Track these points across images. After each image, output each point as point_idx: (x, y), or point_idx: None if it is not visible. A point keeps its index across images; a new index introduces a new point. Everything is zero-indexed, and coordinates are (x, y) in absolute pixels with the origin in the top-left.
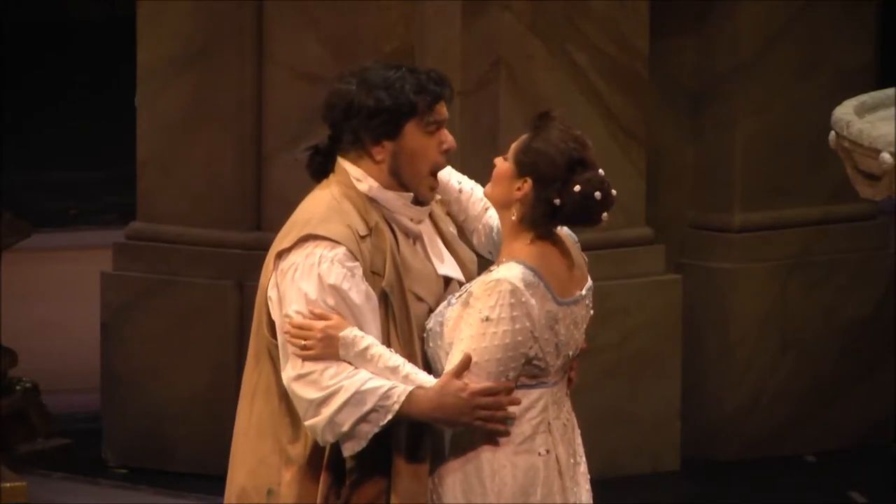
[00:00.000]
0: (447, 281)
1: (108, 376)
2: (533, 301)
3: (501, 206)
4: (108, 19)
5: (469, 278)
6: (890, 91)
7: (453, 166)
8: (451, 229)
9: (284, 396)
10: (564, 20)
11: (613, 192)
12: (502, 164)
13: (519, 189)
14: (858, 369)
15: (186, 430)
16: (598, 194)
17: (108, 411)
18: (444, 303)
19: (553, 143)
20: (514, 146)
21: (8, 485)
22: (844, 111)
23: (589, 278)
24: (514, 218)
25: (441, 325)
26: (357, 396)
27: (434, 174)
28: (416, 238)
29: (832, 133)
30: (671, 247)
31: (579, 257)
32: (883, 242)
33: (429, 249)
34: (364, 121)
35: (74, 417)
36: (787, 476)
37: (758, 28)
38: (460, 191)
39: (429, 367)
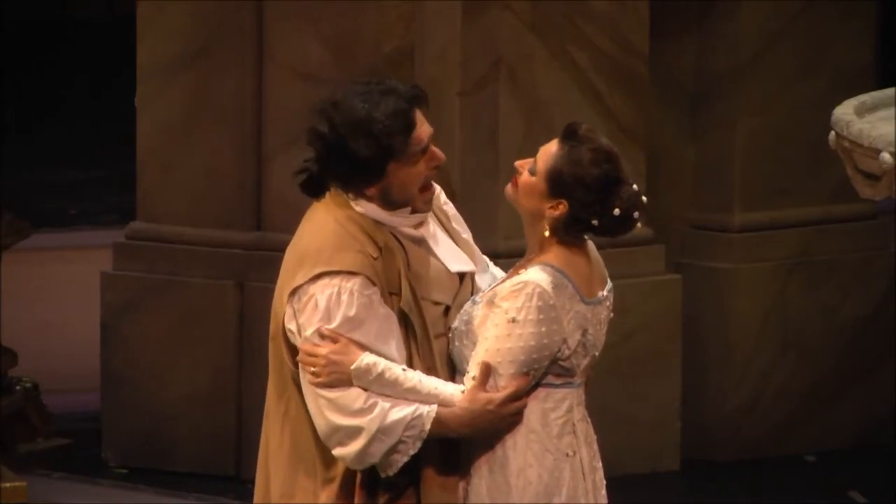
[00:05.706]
0: (461, 276)
1: (108, 376)
2: (560, 303)
3: (529, 215)
4: (108, 19)
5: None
6: (890, 91)
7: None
8: (450, 216)
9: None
10: (564, 20)
11: (644, 199)
12: (530, 179)
13: (552, 208)
14: (858, 369)
15: (186, 430)
16: (636, 214)
17: (108, 411)
18: (469, 302)
19: (586, 168)
20: (543, 161)
21: (8, 485)
22: (844, 111)
23: (608, 279)
24: (546, 234)
25: (467, 323)
26: (383, 430)
27: (426, 189)
28: (422, 242)
29: (832, 133)
30: (671, 247)
31: (598, 256)
32: (883, 242)
33: (437, 250)
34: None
35: (74, 417)
36: (787, 476)
37: (758, 28)
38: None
39: (453, 366)
